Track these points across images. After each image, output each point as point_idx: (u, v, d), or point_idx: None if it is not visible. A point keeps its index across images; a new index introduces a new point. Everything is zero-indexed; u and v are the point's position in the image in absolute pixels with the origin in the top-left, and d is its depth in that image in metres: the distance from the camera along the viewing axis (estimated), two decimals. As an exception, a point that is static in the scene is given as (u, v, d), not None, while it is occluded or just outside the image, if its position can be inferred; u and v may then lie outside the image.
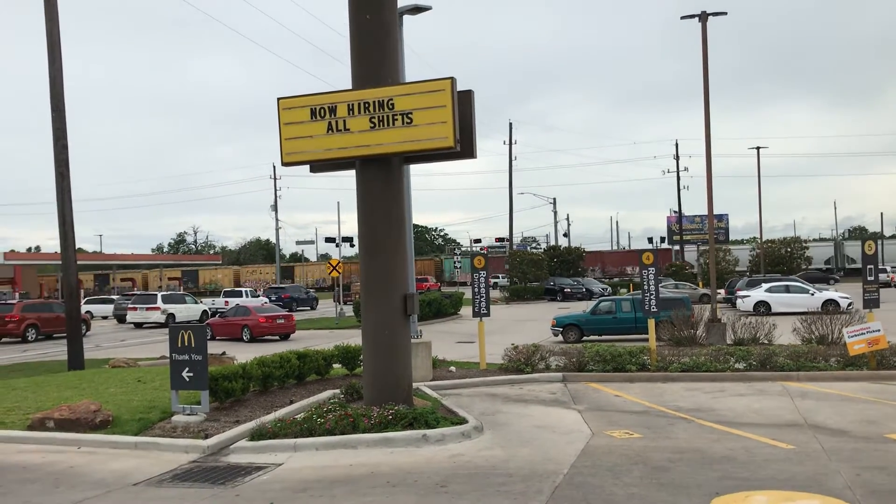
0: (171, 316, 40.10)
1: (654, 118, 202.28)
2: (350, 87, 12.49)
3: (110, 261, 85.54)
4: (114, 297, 58.26)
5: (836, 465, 9.13)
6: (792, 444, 10.25)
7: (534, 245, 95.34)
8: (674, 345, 20.23)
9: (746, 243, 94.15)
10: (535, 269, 61.65)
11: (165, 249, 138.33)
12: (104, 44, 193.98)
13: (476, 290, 18.85)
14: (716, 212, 29.70)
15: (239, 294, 53.81)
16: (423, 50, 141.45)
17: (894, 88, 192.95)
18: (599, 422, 12.16)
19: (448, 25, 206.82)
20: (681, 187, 77.13)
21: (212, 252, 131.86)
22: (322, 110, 12.33)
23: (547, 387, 15.88)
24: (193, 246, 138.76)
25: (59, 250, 22.09)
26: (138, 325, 41.85)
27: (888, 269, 59.25)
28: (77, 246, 22.68)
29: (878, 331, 15.58)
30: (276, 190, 79.49)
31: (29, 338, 34.13)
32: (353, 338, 22.14)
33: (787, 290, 36.23)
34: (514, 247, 75.42)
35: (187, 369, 12.05)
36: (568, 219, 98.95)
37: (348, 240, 50.61)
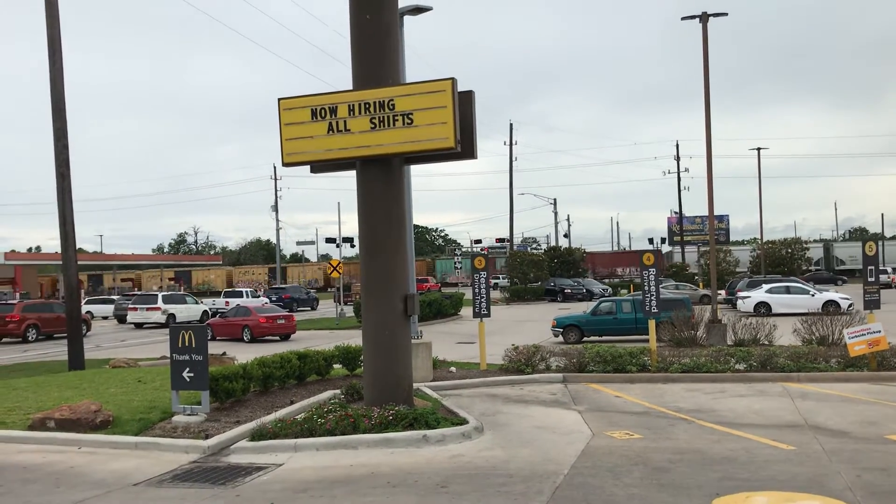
0: (171, 316, 40.08)
1: (654, 119, 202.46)
2: (351, 88, 12.49)
3: (110, 261, 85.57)
4: (114, 297, 58.28)
5: (837, 466, 9.13)
6: (792, 445, 10.25)
7: (534, 246, 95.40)
8: (674, 346, 20.22)
9: (747, 244, 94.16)
10: (536, 270, 61.67)
11: (166, 250, 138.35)
12: (105, 44, 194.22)
13: (476, 290, 18.85)
14: (716, 212, 29.70)
15: (239, 294, 53.81)
16: (424, 50, 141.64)
17: (895, 89, 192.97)
18: (600, 422, 12.16)
19: (448, 26, 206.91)
20: (681, 188, 77.11)
21: (212, 252, 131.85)
22: (323, 111, 12.34)
23: (547, 387, 15.88)
24: (194, 246, 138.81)
25: (59, 250, 22.09)
26: (139, 326, 41.85)
27: (889, 270, 59.20)
28: (77, 246, 22.68)
29: (879, 332, 15.58)
30: (276, 190, 79.59)
31: (29, 338, 34.14)
32: (354, 338, 22.13)
33: (788, 290, 36.22)
34: (515, 247, 75.42)
35: (188, 369, 12.05)
36: (568, 219, 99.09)
37: (349, 240, 50.57)
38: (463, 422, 11.68)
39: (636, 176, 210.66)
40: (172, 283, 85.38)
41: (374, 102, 12.02)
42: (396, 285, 12.44)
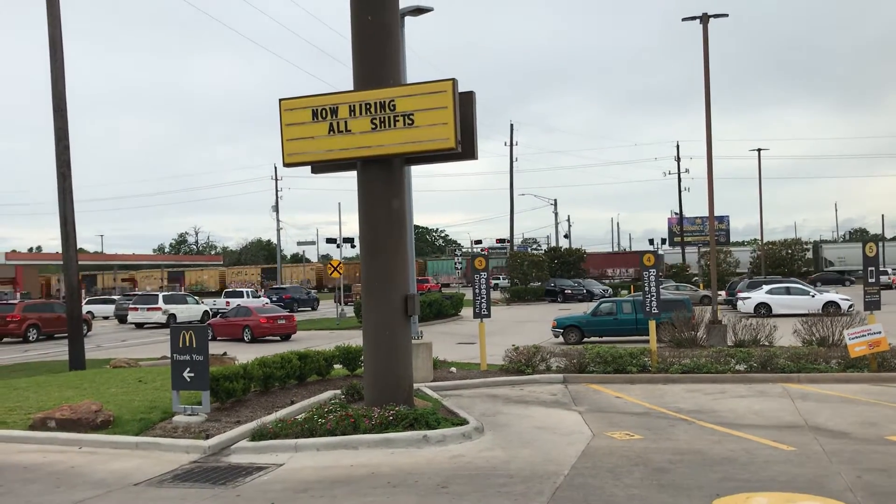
0: (172, 316, 40.09)
1: (654, 120, 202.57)
2: (351, 88, 12.50)
3: (111, 261, 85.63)
4: (115, 297, 58.29)
5: (837, 467, 9.13)
6: (793, 446, 10.25)
7: (534, 246, 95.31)
8: (674, 346, 20.22)
9: (747, 245, 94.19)
10: (536, 271, 61.68)
11: (167, 250, 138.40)
12: (105, 44, 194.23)
13: (477, 291, 18.86)
14: (717, 213, 29.70)
15: (240, 294, 53.83)
16: (424, 51, 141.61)
17: (895, 90, 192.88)
18: (600, 423, 12.16)
19: (448, 26, 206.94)
20: (682, 189, 77.18)
21: (213, 252, 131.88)
22: (324, 111, 12.34)
23: (548, 388, 15.88)
24: (195, 246, 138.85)
25: (60, 250, 22.10)
26: (139, 326, 41.86)
27: (889, 271, 59.16)
28: (78, 246, 22.68)
29: (879, 333, 15.57)
30: (277, 190, 79.72)
31: (30, 338, 34.14)
32: (354, 338, 22.14)
33: (788, 291, 36.20)
34: (515, 248, 75.43)
35: (188, 369, 12.06)
36: (569, 220, 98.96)
37: (349, 240, 50.57)
38: (463, 422, 11.68)
39: (637, 177, 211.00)
40: (166, 283, 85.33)
41: (375, 103, 12.03)
42: (397, 285, 12.45)
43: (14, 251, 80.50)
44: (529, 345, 18.36)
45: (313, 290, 65.81)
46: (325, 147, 12.43)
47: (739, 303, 37.04)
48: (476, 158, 12.29)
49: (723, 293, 43.47)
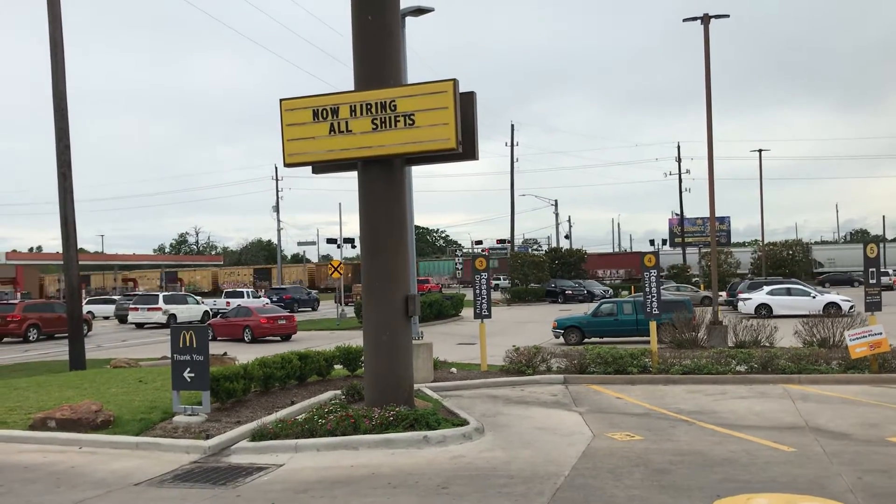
0: (172, 316, 40.12)
1: (655, 120, 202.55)
2: (352, 89, 12.50)
3: (111, 261, 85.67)
4: (115, 297, 58.31)
5: (838, 469, 9.12)
6: (793, 447, 10.24)
7: (535, 247, 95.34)
8: (675, 347, 20.21)
9: (748, 246, 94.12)
10: (537, 271, 61.67)
11: (167, 250, 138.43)
12: (105, 44, 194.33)
13: (477, 291, 18.85)
14: (717, 214, 29.68)
15: (241, 295, 53.84)
16: (425, 51, 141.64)
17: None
18: (601, 424, 12.16)
19: (448, 26, 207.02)
20: (682, 190, 77.13)
21: (213, 253, 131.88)
22: (324, 111, 12.34)
23: (548, 388, 15.87)
24: (195, 247, 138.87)
25: (60, 250, 22.09)
26: (140, 326, 41.88)
27: (890, 272, 59.13)
28: (79, 246, 22.68)
29: (880, 334, 15.56)
30: (277, 191, 79.70)
31: (30, 338, 34.15)
32: (354, 339, 22.14)
33: (789, 292, 36.18)
34: (516, 248, 75.42)
35: (189, 370, 12.06)
36: (569, 221, 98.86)
37: (350, 241, 50.56)
38: (464, 423, 11.68)
39: (637, 177, 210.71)
40: (165, 284, 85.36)
41: (376, 103, 12.03)
42: (397, 286, 12.44)
43: (14, 251, 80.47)
44: (530, 345, 18.36)
45: (314, 292, 65.70)
46: (325, 147, 12.42)
47: (740, 304, 37.02)
48: (477, 159, 12.29)
49: (723, 294, 43.46)
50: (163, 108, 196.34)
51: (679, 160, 77.44)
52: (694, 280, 61.74)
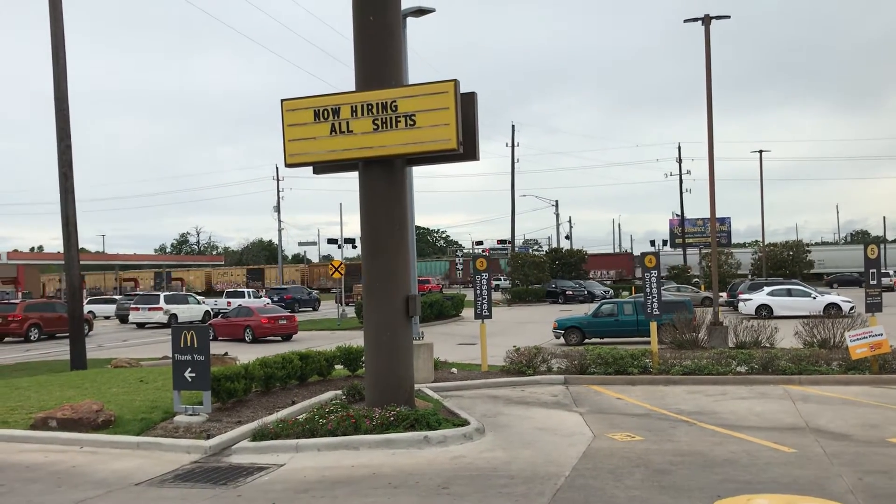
0: (173, 316, 40.15)
1: (656, 121, 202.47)
2: (353, 89, 12.51)
3: (112, 261, 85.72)
4: (116, 296, 58.34)
5: (838, 469, 9.13)
6: (794, 448, 10.24)
7: (536, 247, 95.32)
8: (675, 348, 20.22)
9: (748, 246, 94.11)
10: (537, 272, 61.67)
11: (168, 250, 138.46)
12: (105, 44, 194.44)
13: (478, 292, 18.86)
14: (718, 215, 29.67)
15: (241, 295, 53.86)
16: (425, 51, 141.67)
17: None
18: (601, 424, 12.16)
19: (449, 26, 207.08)
20: (683, 190, 77.03)
21: (214, 253, 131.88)
22: (325, 112, 12.35)
23: (548, 389, 15.88)
24: (196, 246, 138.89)
25: (61, 250, 22.10)
26: (141, 326, 41.89)
27: (891, 273, 59.10)
28: (80, 246, 22.70)
29: (881, 335, 15.57)
30: (278, 191, 79.83)
31: (32, 337, 34.16)
32: (355, 339, 22.15)
33: (789, 293, 36.17)
34: (516, 249, 75.41)
35: (189, 370, 12.07)
36: (570, 221, 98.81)
37: (351, 241, 50.54)
38: (464, 423, 11.68)
39: (638, 178, 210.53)
40: (165, 284, 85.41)
41: (377, 104, 12.04)
42: (398, 286, 12.45)
43: (16, 251, 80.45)
44: (530, 346, 18.36)
45: (315, 292, 65.71)
46: (326, 148, 12.43)
47: (741, 304, 37.02)
48: (477, 159, 12.30)
49: (724, 295, 43.45)
50: (163, 108, 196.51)
51: (680, 161, 77.41)
52: (694, 281, 61.73)
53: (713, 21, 25.86)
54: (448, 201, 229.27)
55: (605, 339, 25.02)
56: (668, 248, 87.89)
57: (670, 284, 50.34)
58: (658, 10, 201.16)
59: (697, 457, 9.89)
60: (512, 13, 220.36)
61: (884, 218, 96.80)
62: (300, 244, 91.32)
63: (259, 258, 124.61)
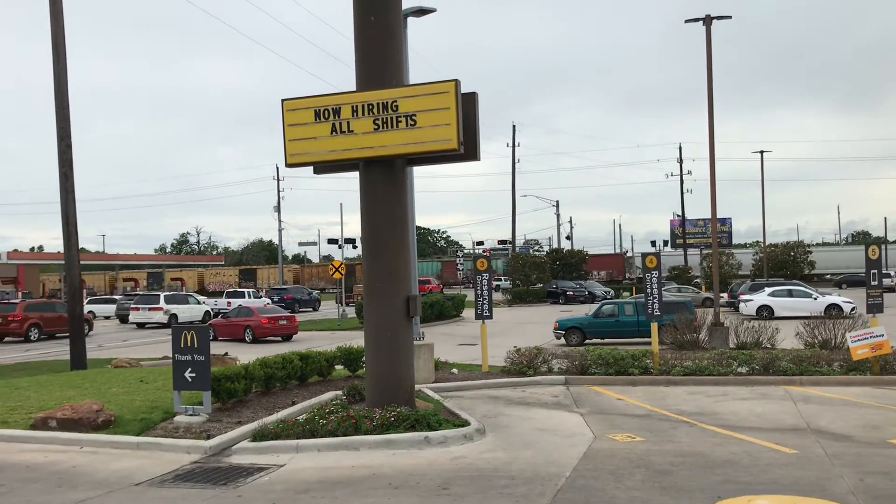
0: (173, 316, 40.14)
1: (657, 121, 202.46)
2: (354, 89, 12.50)
3: (113, 261, 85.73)
4: (116, 296, 58.35)
5: (839, 470, 9.11)
6: (795, 449, 10.23)
7: (536, 248, 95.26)
8: (676, 348, 20.20)
9: (749, 247, 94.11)
10: (538, 272, 61.66)
11: (168, 250, 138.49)
12: (105, 44, 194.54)
13: (479, 292, 18.85)
14: (719, 215, 29.66)
15: (242, 295, 53.86)
16: (425, 50, 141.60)
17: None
18: (602, 425, 12.15)
19: (449, 26, 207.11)
20: (684, 191, 76.93)
21: (214, 253, 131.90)
22: (326, 112, 12.34)
23: (549, 389, 15.86)
24: (196, 247, 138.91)
25: (61, 250, 22.10)
26: (141, 326, 41.88)
27: (892, 273, 59.09)
28: (80, 245, 22.69)
29: (882, 336, 15.55)
30: (279, 191, 79.77)
31: (31, 337, 34.16)
32: (355, 339, 22.14)
33: (790, 294, 36.15)
34: (517, 249, 75.39)
35: (190, 370, 12.06)
36: (571, 222, 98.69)
37: (351, 241, 50.52)
38: (465, 423, 11.67)
39: (639, 178, 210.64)
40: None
41: (378, 104, 12.03)
42: (399, 286, 12.44)
43: (16, 250, 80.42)
44: (531, 346, 18.34)
45: (316, 292, 65.69)
46: (327, 147, 12.43)
47: (741, 305, 37.01)
48: (478, 159, 12.29)
49: (725, 295, 43.44)
50: (163, 108, 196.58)
51: (681, 161, 77.34)
52: (695, 281, 61.73)
53: (714, 21, 25.84)
54: (449, 201, 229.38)
55: (606, 340, 25.02)
56: (668, 248, 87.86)
57: (671, 285, 50.34)
58: (659, 10, 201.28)
59: (698, 458, 9.87)
60: (512, 13, 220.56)
61: (885, 219, 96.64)
62: (300, 244, 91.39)
63: (259, 258, 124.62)
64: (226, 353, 20.33)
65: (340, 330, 35.33)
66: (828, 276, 73.58)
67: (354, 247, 51.73)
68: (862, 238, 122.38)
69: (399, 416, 11.29)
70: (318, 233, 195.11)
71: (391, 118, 11.96)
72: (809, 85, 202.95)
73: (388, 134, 12.00)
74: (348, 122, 12.21)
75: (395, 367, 12.30)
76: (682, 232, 78.47)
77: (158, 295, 43.96)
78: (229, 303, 49.10)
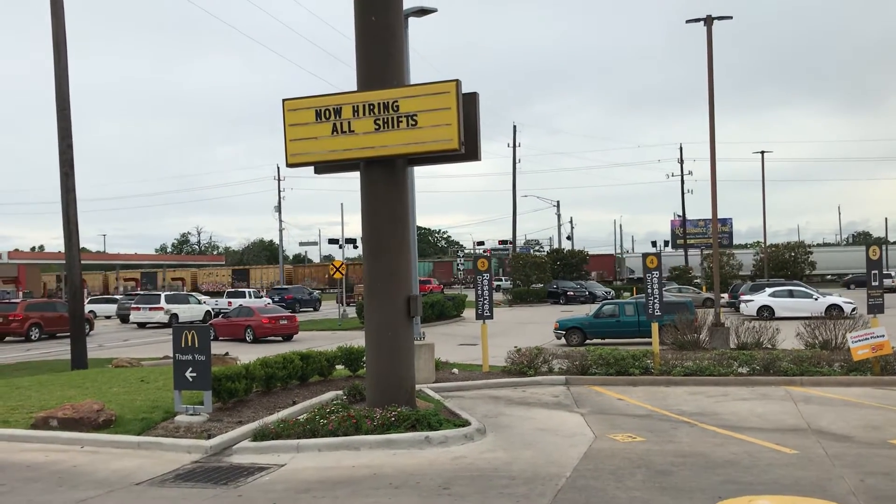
0: (174, 316, 40.15)
1: (658, 121, 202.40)
2: (355, 89, 12.50)
3: (113, 260, 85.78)
4: (117, 296, 58.38)
5: (840, 471, 9.11)
6: (795, 449, 10.23)
7: (537, 248, 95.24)
8: (677, 348, 20.21)
9: (750, 247, 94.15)
10: (538, 272, 61.66)
11: (169, 250, 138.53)
12: (107, 43, 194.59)
13: (479, 292, 18.85)
14: (719, 216, 29.65)
15: (242, 295, 53.88)
16: (425, 50, 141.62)
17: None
18: (602, 425, 12.15)
19: (449, 26, 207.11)
20: (685, 191, 76.92)
21: (215, 253, 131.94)
22: (327, 112, 12.35)
23: (550, 390, 15.87)
24: (197, 246, 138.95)
25: (62, 249, 22.11)
26: (141, 325, 41.90)
27: (893, 274, 59.07)
28: (81, 245, 22.70)
29: (883, 336, 15.55)
30: (279, 191, 79.71)
31: (32, 337, 34.17)
32: (356, 339, 22.14)
33: (791, 294, 36.16)
34: (518, 249, 75.38)
35: (190, 369, 12.06)
36: (571, 222, 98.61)
37: (352, 241, 50.50)
38: (465, 423, 11.67)
39: (640, 179, 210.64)
40: (175, 282, 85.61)
41: (379, 104, 12.04)
42: (399, 286, 12.45)
43: (17, 250, 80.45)
44: (531, 346, 18.34)
45: (317, 293, 65.70)
46: (328, 147, 12.43)
47: (742, 305, 37.01)
48: (479, 159, 12.30)
49: (725, 296, 43.44)
50: (163, 108, 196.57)
51: (681, 161, 77.32)
52: (696, 282, 61.73)
53: (715, 21, 25.85)
54: (449, 201, 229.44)
55: (607, 340, 25.02)
56: (669, 248, 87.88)
57: (672, 285, 50.33)
58: (659, 10, 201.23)
59: (699, 458, 9.87)
60: (512, 13, 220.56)
61: (885, 219, 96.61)
62: (301, 244, 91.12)
63: (260, 258, 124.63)
64: (226, 353, 20.34)
65: (341, 330, 35.34)
66: (829, 277, 73.61)
67: (355, 247, 51.74)
68: (863, 238, 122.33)
69: (400, 416, 11.29)
70: (318, 233, 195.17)
71: (392, 118, 11.97)
72: (810, 85, 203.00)
73: (389, 134, 12.01)
74: (349, 122, 12.22)
75: (396, 367, 12.31)
76: (682, 232, 78.48)
77: (159, 295, 43.96)
78: (230, 303, 49.10)
